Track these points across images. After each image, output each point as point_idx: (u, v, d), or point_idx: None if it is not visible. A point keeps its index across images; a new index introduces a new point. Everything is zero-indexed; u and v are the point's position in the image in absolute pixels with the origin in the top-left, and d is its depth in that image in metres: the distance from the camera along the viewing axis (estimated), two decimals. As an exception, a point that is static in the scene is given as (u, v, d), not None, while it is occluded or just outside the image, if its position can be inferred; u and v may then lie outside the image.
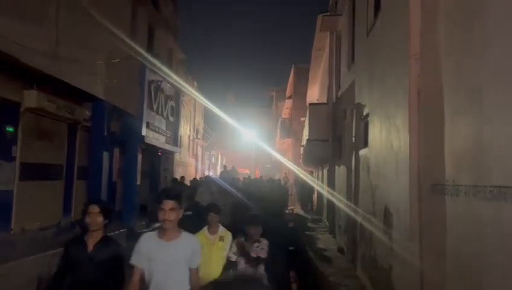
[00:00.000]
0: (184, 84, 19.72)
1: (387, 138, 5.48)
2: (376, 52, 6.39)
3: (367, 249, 6.86)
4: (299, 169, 20.84)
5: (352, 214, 8.44)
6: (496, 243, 2.55)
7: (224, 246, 4.73)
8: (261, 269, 4.22)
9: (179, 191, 3.83)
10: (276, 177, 28.99)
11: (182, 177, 13.08)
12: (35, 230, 9.00)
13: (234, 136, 40.89)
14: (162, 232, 3.15)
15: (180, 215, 3.18)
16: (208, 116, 34.58)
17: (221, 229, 4.96)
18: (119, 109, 12.37)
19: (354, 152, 8.37)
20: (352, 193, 8.45)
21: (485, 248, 2.70)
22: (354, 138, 8.48)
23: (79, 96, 10.17)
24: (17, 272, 6.92)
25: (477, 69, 2.89)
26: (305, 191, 18.36)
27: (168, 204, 3.08)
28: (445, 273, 3.41)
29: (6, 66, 7.58)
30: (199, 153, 30.75)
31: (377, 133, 6.23)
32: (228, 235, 4.86)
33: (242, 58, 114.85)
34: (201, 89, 30.77)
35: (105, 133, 11.10)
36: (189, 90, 21.72)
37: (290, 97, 30.02)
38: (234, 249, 4.38)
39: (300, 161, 20.95)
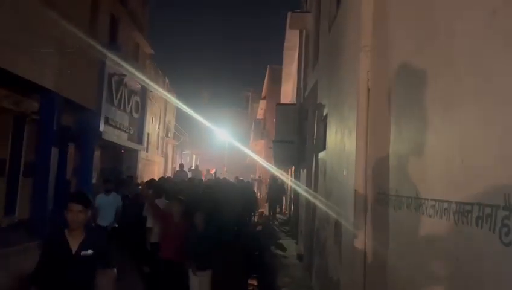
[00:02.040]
0: (151, 80, 18.98)
1: (341, 141, 5.02)
2: (334, 47, 5.95)
3: (320, 258, 6.40)
4: (272, 168, 20.41)
5: (310, 220, 7.98)
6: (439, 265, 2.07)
7: None
8: None
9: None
10: (251, 177, 28.52)
11: (130, 178, 12.30)
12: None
13: (209, 136, 40.17)
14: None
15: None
16: (181, 115, 33.74)
17: None
18: (74, 102, 11.58)
19: (314, 155, 7.92)
20: (313, 197, 7.99)
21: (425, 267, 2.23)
22: (314, 140, 8.03)
23: (26, 87, 9.39)
24: None
25: (420, 67, 2.42)
26: (274, 193, 17.73)
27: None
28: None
29: None
30: (169, 152, 29.93)
31: (333, 135, 5.78)
32: None
33: (219, 58, 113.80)
34: (174, 87, 30.02)
35: (55, 128, 10.30)
36: (157, 86, 20.96)
37: (264, 98, 29.57)
38: None
39: (272, 162, 20.53)
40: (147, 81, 17.93)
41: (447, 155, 2.03)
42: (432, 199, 2.18)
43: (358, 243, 3.67)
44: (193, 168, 19.46)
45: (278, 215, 17.84)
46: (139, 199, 8.00)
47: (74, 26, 11.16)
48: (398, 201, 2.75)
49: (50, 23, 9.74)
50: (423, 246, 2.32)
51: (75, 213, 3.18)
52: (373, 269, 3.40)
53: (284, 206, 19.88)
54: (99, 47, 12.86)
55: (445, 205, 2.00)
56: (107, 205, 7.99)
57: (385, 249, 3.02)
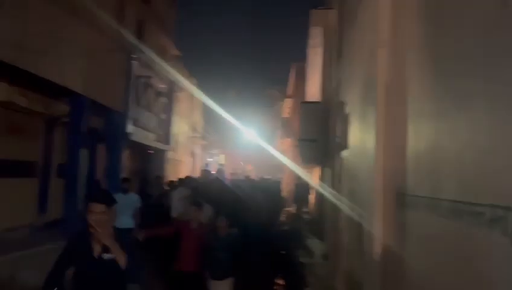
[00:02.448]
0: (178, 80, 19.24)
1: (361, 139, 4.94)
2: (356, 44, 5.85)
3: (345, 259, 6.32)
4: (297, 168, 20.30)
5: (334, 219, 7.89)
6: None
7: None
8: None
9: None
10: (278, 177, 28.41)
11: (158, 178, 12.49)
12: (1, 230, 8.54)
13: (236, 135, 40.37)
14: None
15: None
16: (208, 115, 34.05)
17: None
18: (102, 105, 11.89)
19: (337, 154, 7.82)
20: (336, 197, 7.89)
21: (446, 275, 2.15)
22: (337, 138, 7.92)
23: (56, 90, 9.70)
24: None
25: (435, 64, 2.33)
26: (300, 192, 17.65)
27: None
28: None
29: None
30: (197, 151, 30.25)
31: (354, 133, 5.69)
32: None
33: (245, 57, 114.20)
34: (201, 87, 30.30)
35: (84, 130, 10.59)
36: (186, 86, 21.25)
37: (290, 96, 29.43)
38: None
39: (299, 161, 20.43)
40: (174, 82, 18.21)
41: (460, 155, 1.95)
42: (446, 200, 2.11)
43: (378, 244, 3.59)
44: (218, 168, 19.60)
45: (304, 216, 17.70)
46: (162, 199, 8.04)
47: (101, 30, 11.47)
48: (415, 201, 2.68)
49: (77, 28, 10.02)
50: (438, 248, 2.25)
51: (97, 214, 3.05)
52: (392, 270, 3.32)
53: (310, 205, 19.74)
54: (125, 50, 13.17)
55: (460, 205, 1.93)
56: (124, 206, 7.45)
57: (403, 249, 2.95)
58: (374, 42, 3.92)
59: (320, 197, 13.94)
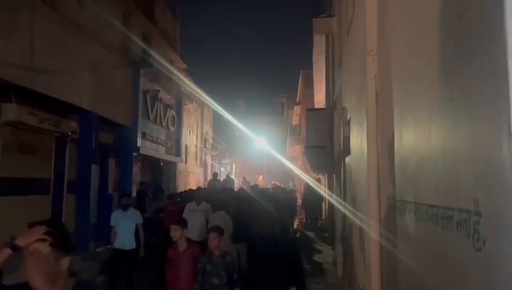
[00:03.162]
0: (186, 92, 19.49)
1: (360, 145, 4.99)
2: (352, 51, 5.92)
3: (351, 264, 6.33)
4: (306, 176, 20.25)
5: (342, 225, 7.91)
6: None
7: None
8: None
9: None
10: (290, 184, 28.30)
11: (161, 191, 12.32)
12: (16, 247, 8.73)
13: (246, 144, 40.52)
14: None
15: None
16: (218, 125, 34.32)
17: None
18: (111, 120, 12.13)
19: (342, 160, 7.86)
20: (343, 203, 7.91)
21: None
22: (341, 145, 7.97)
23: (64, 108, 9.96)
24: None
25: (414, 71, 2.41)
26: (311, 201, 17.32)
27: None
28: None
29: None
30: (208, 162, 30.44)
31: (354, 139, 5.74)
32: None
33: (252, 66, 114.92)
34: (210, 98, 30.56)
35: (94, 145, 10.83)
36: (194, 97, 21.48)
37: (298, 103, 29.52)
38: None
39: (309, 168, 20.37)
40: (181, 94, 18.45)
41: (433, 160, 2.02)
42: (425, 204, 2.17)
43: (375, 249, 3.64)
44: (225, 176, 19.44)
45: (318, 223, 17.41)
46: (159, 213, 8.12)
47: (108, 47, 11.74)
48: (402, 206, 2.73)
49: (84, 47, 10.30)
50: (422, 252, 2.30)
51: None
52: (389, 276, 3.36)
53: (323, 213, 19.53)
54: (133, 65, 13.44)
55: (435, 210, 1.99)
56: (124, 225, 7.01)
57: (397, 253, 2.99)
58: (363, 50, 3.99)
59: (330, 204, 13.92)
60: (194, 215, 7.69)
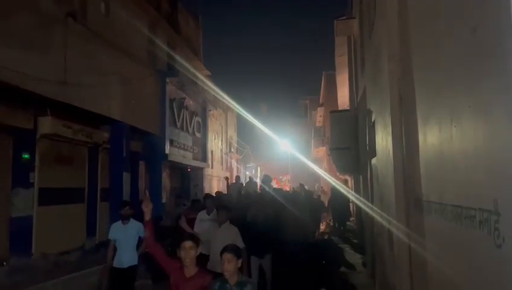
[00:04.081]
0: (211, 99, 19.83)
1: (385, 147, 5.06)
2: (375, 53, 6.00)
3: (380, 265, 6.37)
4: (332, 179, 20.09)
5: (370, 226, 7.94)
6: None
7: None
8: None
9: None
10: (315, 187, 28.13)
11: (178, 198, 12.50)
12: (56, 254, 9.16)
13: (270, 147, 40.70)
14: None
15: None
16: (242, 130, 34.64)
17: None
18: (140, 129, 12.53)
19: (368, 161, 7.91)
20: (370, 205, 7.95)
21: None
22: (367, 147, 8.01)
23: (96, 119, 10.39)
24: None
25: (436, 75, 2.51)
26: (338, 203, 16.00)
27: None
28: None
29: (18, 96, 7.84)
30: (233, 166, 30.76)
31: (380, 141, 5.80)
32: None
33: (274, 69, 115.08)
34: (234, 103, 30.93)
35: (125, 154, 11.22)
36: (218, 103, 21.81)
37: (322, 105, 29.51)
38: None
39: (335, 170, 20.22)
40: (206, 101, 18.79)
41: (455, 162, 2.12)
42: (449, 205, 2.27)
43: (404, 249, 3.72)
44: (247, 180, 18.78)
45: (347, 225, 16.72)
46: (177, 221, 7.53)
47: (135, 59, 12.15)
48: (428, 207, 2.82)
49: (113, 60, 10.71)
50: (449, 251, 2.39)
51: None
52: (419, 276, 3.44)
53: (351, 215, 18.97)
54: (159, 75, 13.84)
55: (458, 210, 2.09)
56: (124, 240, 6.02)
57: (424, 254, 3.08)
58: (386, 54, 4.09)
59: (358, 205, 13.87)
60: (203, 227, 6.66)
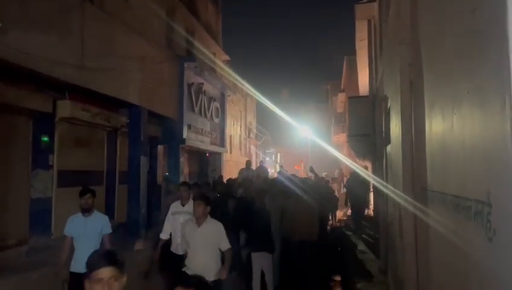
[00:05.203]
0: (230, 84, 19.79)
1: (398, 134, 4.94)
2: (390, 38, 5.83)
3: (392, 254, 6.30)
4: (353, 164, 19.72)
5: (385, 216, 7.84)
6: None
7: None
8: None
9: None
10: (336, 173, 27.59)
11: (220, 177, 12.91)
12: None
13: (290, 133, 40.50)
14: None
15: None
16: (261, 115, 34.55)
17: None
18: (158, 114, 12.62)
19: (384, 148, 7.78)
20: (383, 193, 7.84)
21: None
22: (383, 133, 7.87)
23: (114, 103, 10.49)
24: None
25: (433, 64, 2.41)
26: (356, 192, 14.66)
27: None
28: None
29: (37, 80, 7.98)
30: (252, 151, 30.79)
31: (393, 128, 5.68)
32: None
33: (295, 54, 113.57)
34: (254, 88, 30.82)
35: (142, 138, 11.34)
36: (237, 89, 21.76)
37: (343, 90, 29.07)
38: None
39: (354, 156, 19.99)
40: (225, 86, 18.76)
41: (456, 152, 2.04)
42: (450, 195, 2.20)
43: (410, 238, 3.65)
44: (258, 165, 17.77)
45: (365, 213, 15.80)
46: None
47: (153, 43, 12.18)
48: (432, 196, 2.74)
49: (131, 43, 10.76)
50: (450, 241, 2.33)
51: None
52: (423, 264, 3.37)
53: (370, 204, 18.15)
54: (177, 59, 13.85)
55: (457, 200, 2.02)
56: (86, 236, 4.80)
57: (429, 243, 3.01)
58: (397, 38, 3.96)
59: (376, 193, 13.70)
60: (177, 221, 5.73)
